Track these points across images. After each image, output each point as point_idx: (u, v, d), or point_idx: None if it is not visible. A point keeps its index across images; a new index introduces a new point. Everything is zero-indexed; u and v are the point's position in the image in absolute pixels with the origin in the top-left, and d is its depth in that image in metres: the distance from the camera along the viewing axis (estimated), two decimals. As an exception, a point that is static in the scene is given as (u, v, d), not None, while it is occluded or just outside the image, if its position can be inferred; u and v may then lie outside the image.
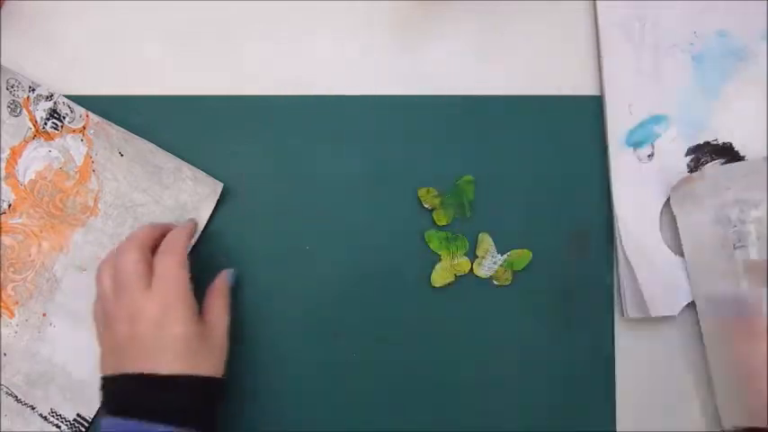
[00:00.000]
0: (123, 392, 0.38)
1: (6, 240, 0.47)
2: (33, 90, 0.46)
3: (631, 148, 0.48)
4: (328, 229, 0.48)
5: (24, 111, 0.46)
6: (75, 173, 0.47)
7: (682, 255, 0.47)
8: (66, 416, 0.46)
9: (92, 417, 0.46)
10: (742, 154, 0.48)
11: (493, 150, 0.48)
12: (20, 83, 0.46)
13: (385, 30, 0.49)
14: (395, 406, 0.47)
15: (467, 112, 0.48)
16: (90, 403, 0.46)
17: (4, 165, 0.47)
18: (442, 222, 0.48)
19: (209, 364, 0.39)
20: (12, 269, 0.47)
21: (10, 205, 0.47)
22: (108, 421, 0.37)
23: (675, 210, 0.47)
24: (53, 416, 0.46)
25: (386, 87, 0.49)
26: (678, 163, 0.48)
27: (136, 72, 0.48)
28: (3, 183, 0.46)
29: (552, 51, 0.49)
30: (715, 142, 0.48)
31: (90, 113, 0.47)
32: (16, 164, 0.47)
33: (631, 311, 0.47)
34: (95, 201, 0.47)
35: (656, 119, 0.48)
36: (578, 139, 0.49)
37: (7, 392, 0.46)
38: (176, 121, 0.48)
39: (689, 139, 0.48)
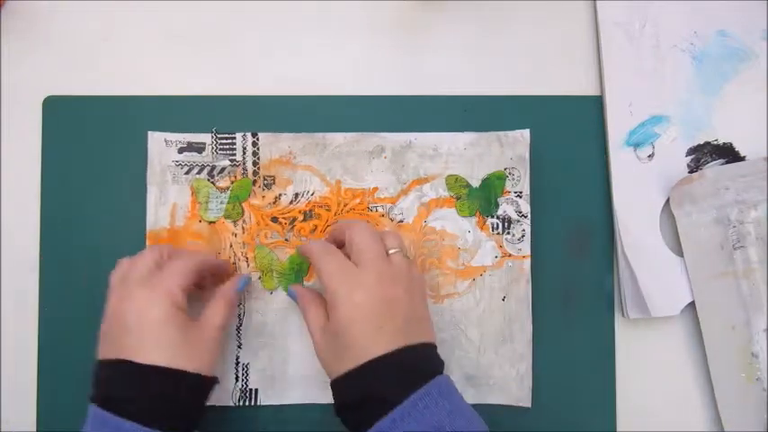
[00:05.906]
0: (103, 379, 0.39)
1: None
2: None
3: (631, 148, 0.48)
4: (328, 229, 0.48)
5: None
6: None
7: (682, 255, 0.47)
8: None
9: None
10: (742, 154, 0.48)
11: (493, 150, 0.48)
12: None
13: (385, 30, 0.49)
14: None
15: (467, 112, 0.48)
16: None
17: None
18: (465, 214, 0.47)
19: (190, 359, 0.40)
20: None
21: None
22: (91, 409, 0.38)
23: (675, 210, 0.47)
24: None
25: (386, 87, 0.49)
26: (678, 163, 0.48)
27: (136, 72, 0.48)
28: None
29: (552, 51, 0.49)
30: (715, 142, 0.48)
31: None
32: None
33: (631, 311, 0.47)
34: None
35: (656, 119, 0.48)
36: (578, 139, 0.49)
37: None
38: (176, 121, 0.48)
39: (689, 139, 0.48)
